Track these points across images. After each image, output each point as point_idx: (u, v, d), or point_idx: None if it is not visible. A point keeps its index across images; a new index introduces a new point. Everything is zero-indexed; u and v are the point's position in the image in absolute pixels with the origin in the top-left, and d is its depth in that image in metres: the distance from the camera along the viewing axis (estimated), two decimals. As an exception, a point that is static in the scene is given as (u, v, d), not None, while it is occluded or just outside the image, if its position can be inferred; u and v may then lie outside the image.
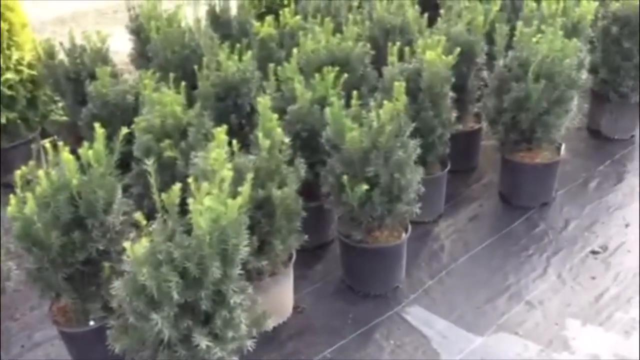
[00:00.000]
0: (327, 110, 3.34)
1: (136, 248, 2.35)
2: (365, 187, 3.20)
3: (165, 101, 3.46)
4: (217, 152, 2.78)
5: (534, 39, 3.95)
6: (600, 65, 4.79)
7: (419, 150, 3.44)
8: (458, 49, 3.88)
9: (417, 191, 3.54)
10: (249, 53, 4.21)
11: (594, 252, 3.93)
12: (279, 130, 3.14)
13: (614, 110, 4.96)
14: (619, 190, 4.52)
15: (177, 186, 2.58)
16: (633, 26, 4.56)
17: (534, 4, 4.42)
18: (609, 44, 4.69)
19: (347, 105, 3.66)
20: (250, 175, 2.61)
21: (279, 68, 3.92)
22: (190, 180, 2.54)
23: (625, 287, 3.62)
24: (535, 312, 3.48)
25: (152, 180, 2.57)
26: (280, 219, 3.13)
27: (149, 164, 2.56)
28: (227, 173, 2.54)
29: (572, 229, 4.15)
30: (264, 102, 3.17)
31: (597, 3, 4.37)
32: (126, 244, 2.33)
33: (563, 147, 4.30)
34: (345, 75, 3.96)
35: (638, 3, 4.53)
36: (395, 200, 3.38)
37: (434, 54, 3.79)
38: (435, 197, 4.26)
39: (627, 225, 4.17)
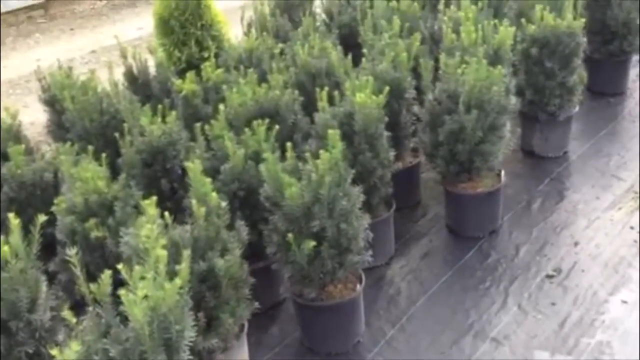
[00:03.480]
0: (262, 166, 3.17)
1: (67, 353, 2.07)
2: (312, 243, 3.03)
3: (86, 176, 3.21)
4: (148, 228, 2.55)
5: (459, 70, 3.93)
6: (525, 87, 4.84)
7: (362, 197, 3.31)
8: (387, 88, 3.81)
9: (366, 238, 3.40)
10: (173, 113, 4.02)
11: (549, 276, 3.88)
12: (214, 194, 2.94)
13: (544, 129, 5.01)
14: (562, 209, 4.53)
15: (107, 274, 2.33)
16: (552, 46, 4.64)
17: (453, 35, 4.43)
18: (531, 65, 4.76)
19: (283, 157, 3.52)
20: (187, 252, 2.39)
21: (206, 126, 3.73)
22: (120, 266, 2.30)
23: (587, 310, 3.57)
24: (503, 348, 3.37)
25: (78, 271, 2.32)
26: (227, 289, 2.90)
27: (71, 253, 2.31)
28: (162, 253, 2.31)
29: (524, 254, 4.10)
30: (193, 167, 2.97)
31: (514, 28, 4.41)
32: (54, 351, 2.05)
33: (503, 173, 4.28)
34: (277, 126, 3.83)
35: (553, 23, 4.62)
36: (345, 252, 3.22)
37: (363, 96, 3.70)
38: (384, 239, 4.14)
39: (576, 244, 4.15)
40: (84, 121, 4.28)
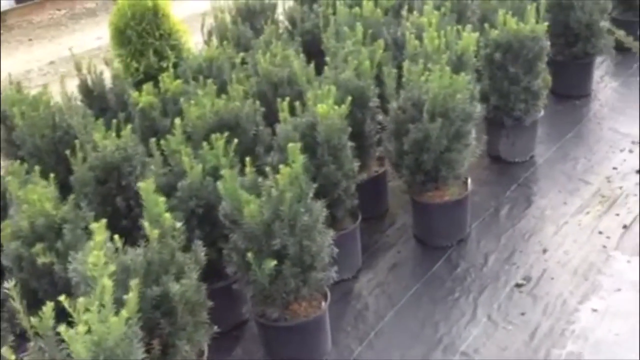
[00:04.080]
0: (220, 183, 3.03)
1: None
2: (273, 262, 2.90)
3: (33, 198, 3.04)
4: (95, 254, 2.41)
5: (422, 78, 3.85)
6: (490, 92, 4.78)
7: (325, 211, 3.19)
8: (349, 98, 3.71)
9: (331, 254, 3.29)
10: (128, 127, 3.86)
11: (518, 285, 3.81)
12: (167, 215, 2.80)
13: (510, 134, 4.96)
14: (530, 215, 4.47)
15: (49, 306, 2.18)
16: (515, 50, 4.60)
17: (416, 42, 4.35)
18: (494, 71, 4.71)
19: (244, 171, 3.39)
20: (135, 281, 2.24)
21: (163, 141, 3.58)
22: (63, 297, 2.15)
23: (557, 319, 3.50)
24: (473, 363, 3.29)
25: (17, 303, 2.16)
26: (183, 315, 2.76)
27: (10, 285, 2.15)
28: (107, 283, 2.16)
29: (492, 263, 4.03)
30: (145, 187, 2.82)
31: (477, 34, 4.35)
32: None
33: (469, 180, 4.21)
34: (236, 139, 3.71)
35: (516, 28, 4.57)
36: (308, 269, 3.10)
37: (325, 106, 3.59)
38: (351, 252, 4.03)
39: (544, 251, 4.09)
40: (34, 138, 4.10)
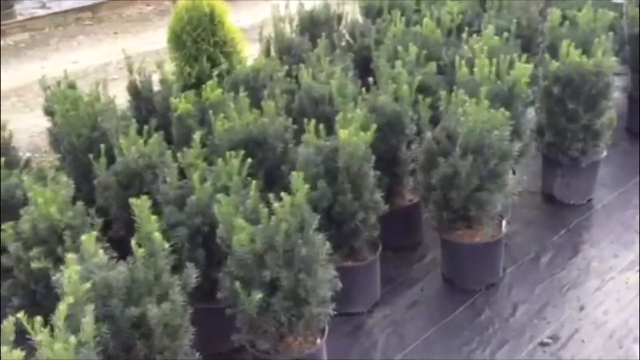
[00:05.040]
0: (216, 207, 2.94)
1: None
2: (258, 295, 2.78)
3: (40, 200, 3.07)
4: (71, 269, 2.38)
5: (460, 109, 3.60)
6: (545, 127, 4.44)
7: (327, 244, 3.03)
8: (375, 125, 3.52)
9: (334, 287, 3.13)
10: (155, 135, 3.87)
11: (543, 344, 3.49)
12: (158, 235, 2.73)
13: (565, 174, 4.59)
14: (574, 265, 4.10)
15: (10, 321, 2.17)
16: (576, 85, 4.23)
17: (465, 69, 4.09)
18: (552, 105, 4.35)
19: (269, 188, 3.31)
20: (89, 308, 2.19)
21: (178, 153, 3.55)
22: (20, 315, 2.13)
23: (575, 390, 3.18)
24: None
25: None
26: (162, 338, 2.69)
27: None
28: (62, 307, 2.12)
29: (521, 315, 3.72)
30: (139, 203, 2.77)
31: (531, 65, 4.03)
32: None
33: (504, 222, 3.90)
34: (261, 156, 3.63)
35: (579, 61, 4.21)
36: (302, 304, 2.95)
37: (347, 132, 3.42)
38: (368, 285, 3.85)
39: (581, 309, 3.73)
40: (70, 136, 4.19)
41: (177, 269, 3.26)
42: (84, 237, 2.64)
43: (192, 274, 2.87)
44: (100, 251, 2.63)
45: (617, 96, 4.72)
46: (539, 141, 4.56)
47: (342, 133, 3.42)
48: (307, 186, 2.96)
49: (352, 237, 3.59)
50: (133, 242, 2.70)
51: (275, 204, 2.85)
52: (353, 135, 3.47)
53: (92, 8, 10.63)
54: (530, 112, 4.91)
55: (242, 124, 3.92)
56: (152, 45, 8.93)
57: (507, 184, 3.63)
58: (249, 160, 3.83)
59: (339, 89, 4.22)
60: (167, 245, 2.75)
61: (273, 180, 3.87)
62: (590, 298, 3.81)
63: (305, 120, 3.73)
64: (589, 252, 4.21)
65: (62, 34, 9.97)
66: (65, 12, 10.42)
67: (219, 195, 2.95)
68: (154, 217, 2.77)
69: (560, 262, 4.14)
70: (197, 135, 3.60)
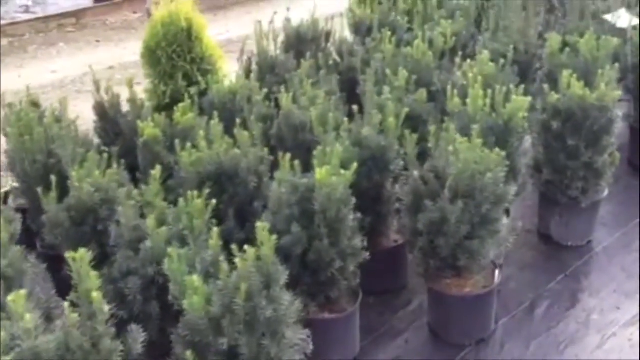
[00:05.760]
0: (166, 262, 2.57)
1: None
2: (211, 369, 2.41)
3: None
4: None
5: (450, 148, 3.25)
6: (543, 163, 4.09)
7: (296, 303, 2.67)
8: (354, 165, 3.17)
9: (304, 350, 2.77)
10: (114, 166, 3.50)
11: (536, 414, 3.14)
12: (96, 294, 2.36)
13: (564, 213, 4.24)
14: (572, 318, 3.75)
15: None
16: (577, 120, 3.89)
17: (457, 100, 3.74)
18: (550, 140, 4.01)
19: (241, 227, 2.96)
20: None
21: (135, 191, 3.18)
22: None
23: None
24: None
25: None
26: (98, 417, 2.31)
27: None
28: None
29: (513, 376, 3.37)
30: (78, 257, 2.40)
31: (528, 98, 3.69)
32: None
33: (497, 272, 3.55)
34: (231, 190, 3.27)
35: (581, 94, 3.86)
36: (265, 373, 2.58)
37: (325, 171, 3.07)
38: (346, 338, 3.48)
39: (580, 370, 3.39)
40: (23, 163, 3.82)
41: (127, 323, 2.93)
42: (10, 297, 2.27)
43: (137, 338, 2.50)
44: (28, 315, 2.25)
45: (618, 126, 4.41)
46: (536, 178, 4.21)
47: (319, 172, 3.06)
48: (274, 237, 2.60)
49: (328, 287, 3.23)
50: (66, 304, 2.32)
51: (237, 260, 2.48)
52: (331, 174, 3.11)
53: (76, 14, 10.26)
54: (527, 141, 4.59)
55: (212, 154, 3.55)
56: (134, 55, 8.54)
57: (501, 231, 3.27)
58: (220, 195, 3.55)
59: (320, 117, 3.87)
60: (106, 308, 2.37)
61: (245, 218, 3.51)
62: (590, 357, 3.45)
63: (281, 153, 3.38)
64: (588, 303, 3.86)
65: (43, 41, 9.59)
66: (48, 17, 10.05)
67: (170, 250, 2.57)
68: (93, 274, 2.39)
69: (557, 313, 3.79)
70: (156, 171, 3.23)
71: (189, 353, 2.43)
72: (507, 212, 4.05)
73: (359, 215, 3.31)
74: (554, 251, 4.32)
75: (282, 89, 4.27)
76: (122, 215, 3.08)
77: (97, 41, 9.61)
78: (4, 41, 9.46)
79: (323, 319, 3.33)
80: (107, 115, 4.56)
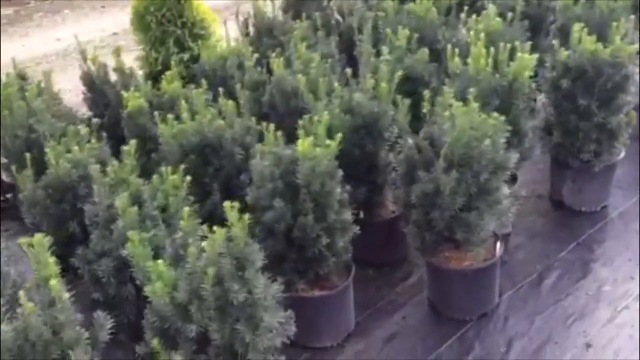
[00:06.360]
0: (129, 245, 2.41)
1: None
2: (178, 358, 2.26)
3: None
4: None
5: (446, 113, 3.00)
6: (554, 126, 3.81)
7: (274, 287, 2.50)
8: (339, 135, 2.95)
9: (284, 334, 2.61)
10: (92, 141, 3.35)
11: (539, 395, 2.96)
12: (55, 282, 2.21)
13: (576, 178, 3.97)
14: (582, 290, 3.52)
15: None
16: (589, 78, 3.59)
17: (457, 60, 3.47)
18: (560, 100, 3.72)
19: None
20: None
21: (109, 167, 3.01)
22: None
23: None
24: None
25: None
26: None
27: None
28: None
29: (516, 353, 3.17)
30: (36, 241, 2.25)
31: (535, 55, 3.40)
32: None
33: (499, 245, 3.33)
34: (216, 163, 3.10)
35: (593, 49, 3.55)
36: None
37: (307, 143, 2.86)
38: (339, 315, 3.32)
39: (587, 347, 3.17)
40: (4, 139, 3.68)
41: (104, 304, 2.82)
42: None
43: (104, 325, 2.36)
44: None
45: (635, 83, 4.08)
46: (546, 140, 3.94)
47: (301, 144, 2.85)
48: (257, 213, 2.42)
49: (316, 264, 3.05)
50: (22, 292, 2.19)
51: (204, 243, 2.31)
52: (315, 144, 2.91)
53: (81, -20, 10.02)
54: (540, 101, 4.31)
55: (194, 126, 3.37)
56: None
57: (501, 202, 3.04)
58: (205, 169, 3.39)
59: (311, 82, 3.63)
60: (66, 295, 2.23)
61: (232, 192, 3.34)
62: (599, 333, 3.24)
63: (264, 123, 3.18)
64: (600, 273, 3.62)
65: (48, 8, 9.41)
66: (54, -16, 9.84)
67: (131, 232, 2.40)
68: (52, 260, 2.25)
69: (566, 285, 3.56)
70: (130, 145, 3.05)
71: (155, 341, 2.29)
72: (514, 178, 3.84)
73: (348, 187, 3.11)
74: (566, 218, 4.07)
75: (278, 52, 4.04)
76: (97, 192, 2.92)
77: (102, 7, 9.40)
78: (10, 10, 9.33)
79: (313, 297, 3.18)
80: (94, 85, 4.39)
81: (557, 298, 3.48)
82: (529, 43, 3.54)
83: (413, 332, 3.38)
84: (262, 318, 2.47)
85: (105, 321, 2.37)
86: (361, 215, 3.68)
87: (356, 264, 3.84)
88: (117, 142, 3.98)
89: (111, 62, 4.31)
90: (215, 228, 2.35)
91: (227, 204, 2.37)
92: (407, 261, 3.85)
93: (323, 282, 3.21)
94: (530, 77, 3.48)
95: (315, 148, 2.89)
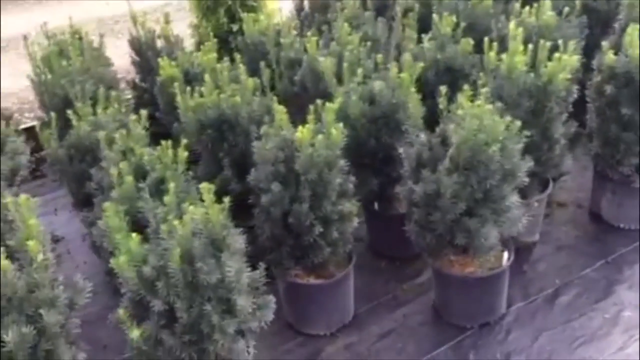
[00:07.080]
0: (104, 217, 2.47)
1: None
2: (137, 332, 2.31)
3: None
4: None
5: (460, 112, 2.85)
6: (595, 135, 3.55)
7: (246, 272, 2.50)
8: (340, 125, 2.87)
9: (263, 319, 2.62)
10: (115, 105, 3.45)
11: (524, 417, 2.82)
12: (32, 243, 2.31)
13: (617, 190, 3.70)
14: (599, 311, 3.30)
15: None
16: (635, 86, 3.30)
17: (492, 55, 3.28)
18: (603, 107, 3.45)
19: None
20: None
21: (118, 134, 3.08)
22: None
23: None
24: None
25: None
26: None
27: None
28: None
29: (511, 369, 3.04)
30: (22, 202, 2.36)
31: (576, 57, 3.16)
32: None
33: (506, 255, 3.16)
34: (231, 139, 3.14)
35: (643, 55, 3.26)
36: (206, 341, 2.46)
37: (306, 131, 2.81)
38: (335, 304, 3.29)
39: (590, 373, 2.99)
40: (43, 96, 3.86)
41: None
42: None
43: (83, 288, 2.45)
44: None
45: None
46: (588, 148, 3.69)
47: (301, 130, 2.81)
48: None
49: (311, 252, 3.03)
50: (2, 248, 2.30)
51: (176, 222, 2.33)
52: (320, 132, 2.85)
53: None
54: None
55: (213, 100, 3.39)
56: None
57: (509, 210, 2.87)
58: (220, 144, 3.42)
59: (335, 66, 3.54)
60: (41, 256, 2.32)
61: (244, 169, 3.35)
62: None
63: (276, 105, 3.14)
64: (623, 296, 3.38)
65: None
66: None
67: (107, 204, 2.46)
68: (33, 222, 2.35)
69: (583, 304, 3.35)
70: (140, 115, 3.11)
71: (122, 311, 2.35)
72: (546, 184, 3.62)
73: (353, 179, 3.05)
74: (600, 232, 3.82)
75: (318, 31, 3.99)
76: (105, 159, 3.02)
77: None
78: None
79: (308, 284, 3.16)
80: (141, 50, 4.51)
81: (569, 317, 3.28)
82: (573, 42, 3.28)
83: (410, 332, 3.30)
84: (235, 301, 2.48)
85: (84, 285, 2.46)
86: (375, 207, 3.65)
87: (371, 255, 3.79)
88: (156, 108, 4.11)
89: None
90: (191, 208, 2.37)
91: (203, 185, 2.38)
92: (420, 259, 3.72)
93: (320, 270, 3.18)
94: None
95: (317, 135, 2.83)
